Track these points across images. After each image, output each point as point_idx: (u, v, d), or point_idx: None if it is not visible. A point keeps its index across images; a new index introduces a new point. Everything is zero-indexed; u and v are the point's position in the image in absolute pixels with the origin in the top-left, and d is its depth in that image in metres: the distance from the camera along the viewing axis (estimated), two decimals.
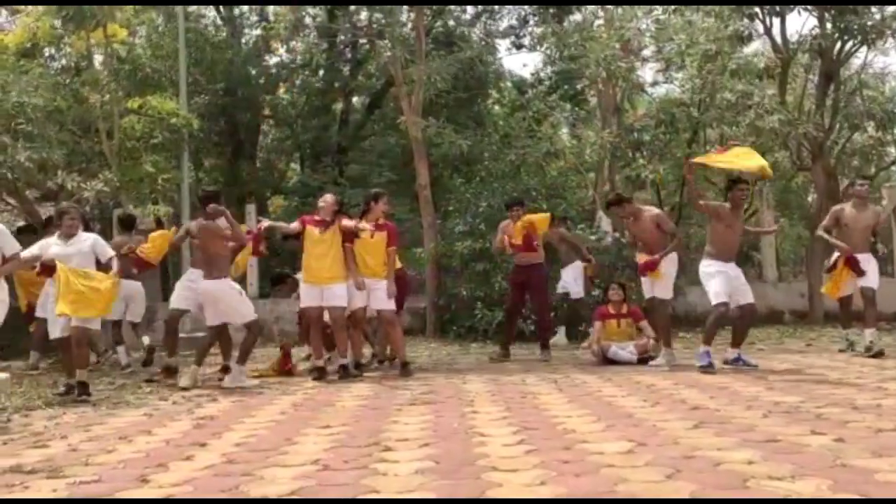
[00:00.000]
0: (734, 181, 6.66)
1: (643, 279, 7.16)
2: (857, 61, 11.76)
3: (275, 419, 4.70)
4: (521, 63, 37.16)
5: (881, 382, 5.30)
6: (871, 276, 7.19)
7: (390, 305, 6.95)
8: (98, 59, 12.30)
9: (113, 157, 10.52)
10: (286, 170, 21.79)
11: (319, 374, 6.67)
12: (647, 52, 11.81)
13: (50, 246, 6.00)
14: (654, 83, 12.47)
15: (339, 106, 19.56)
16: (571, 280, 9.41)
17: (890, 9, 9.91)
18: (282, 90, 19.29)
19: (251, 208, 13.39)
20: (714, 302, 6.43)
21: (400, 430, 4.14)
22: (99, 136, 10.77)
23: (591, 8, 13.74)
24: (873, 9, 9.96)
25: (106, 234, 11.36)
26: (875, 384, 5.24)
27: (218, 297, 6.38)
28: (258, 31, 18.60)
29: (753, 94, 11.65)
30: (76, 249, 5.97)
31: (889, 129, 10.67)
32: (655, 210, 7.45)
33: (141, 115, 11.14)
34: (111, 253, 6.13)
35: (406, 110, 10.60)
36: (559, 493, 2.75)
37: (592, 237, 10.35)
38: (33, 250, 5.96)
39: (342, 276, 6.76)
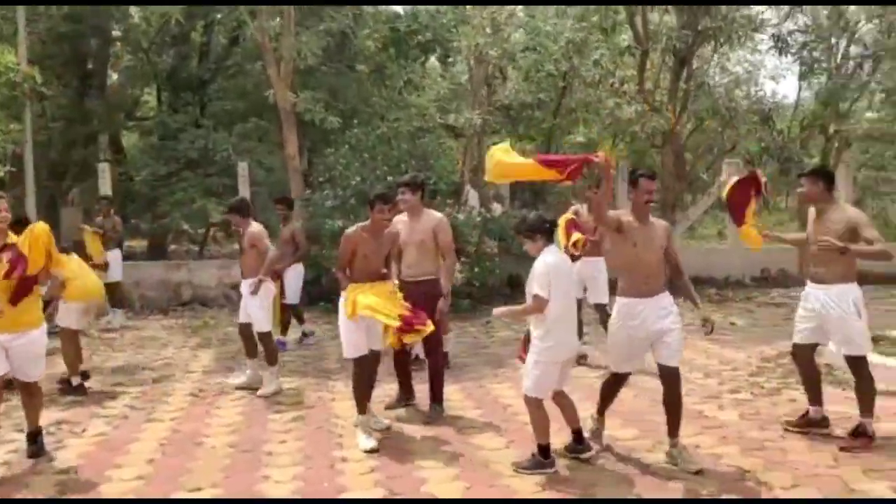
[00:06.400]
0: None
1: None
2: (707, 57, 12.49)
3: (141, 474, 4.70)
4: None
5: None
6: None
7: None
8: None
9: None
10: (140, 95, 20.43)
11: None
12: (517, 37, 11.95)
13: None
14: (525, 49, 12.64)
15: (198, 36, 18.34)
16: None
17: (737, 14, 10.58)
18: (135, 17, 17.74)
19: (104, 139, 12.41)
20: None
21: (269, 491, 4.35)
22: None
23: None
24: (724, 10, 10.57)
25: None
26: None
27: None
28: None
29: (616, 71, 12.22)
30: None
31: (731, 124, 11.56)
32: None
33: None
34: None
35: (275, 80, 10.21)
36: None
37: (460, 216, 10.62)
38: None
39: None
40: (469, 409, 6.06)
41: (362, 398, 5.32)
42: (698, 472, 4.45)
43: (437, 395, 5.85)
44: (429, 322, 5.26)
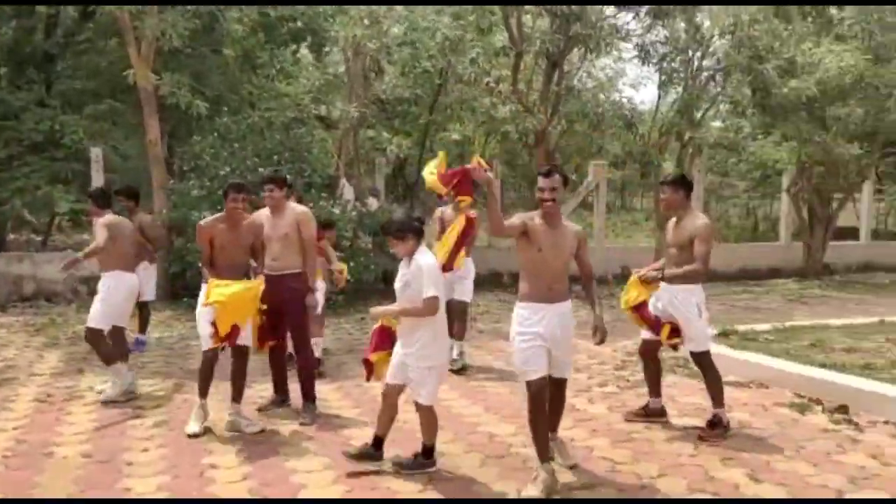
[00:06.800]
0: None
1: None
2: (577, 62, 12.99)
3: None
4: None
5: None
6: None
7: None
8: None
9: None
10: None
11: None
12: (395, 31, 11.87)
13: None
14: (402, 43, 12.56)
15: (45, 7, 16.79)
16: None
17: (605, 23, 11.09)
18: None
19: None
20: None
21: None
22: None
23: None
24: (593, 18, 11.03)
25: None
26: None
27: None
28: None
29: (491, 71, 12.43)
30: None
31: (598, 128, 12.09)
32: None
33: None
34: None
35: (135, 60, 9.52)
36: None
37: (335, 210, 10.39)
38: None
39: None
40: (346, 408, 5.94)
41: (203, 385, 5.30)
42: (573, 467, 4.58)
43: (308, 394, 5.69)
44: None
